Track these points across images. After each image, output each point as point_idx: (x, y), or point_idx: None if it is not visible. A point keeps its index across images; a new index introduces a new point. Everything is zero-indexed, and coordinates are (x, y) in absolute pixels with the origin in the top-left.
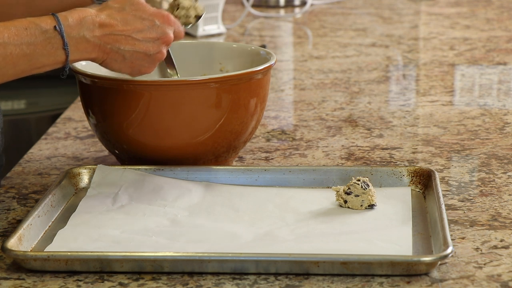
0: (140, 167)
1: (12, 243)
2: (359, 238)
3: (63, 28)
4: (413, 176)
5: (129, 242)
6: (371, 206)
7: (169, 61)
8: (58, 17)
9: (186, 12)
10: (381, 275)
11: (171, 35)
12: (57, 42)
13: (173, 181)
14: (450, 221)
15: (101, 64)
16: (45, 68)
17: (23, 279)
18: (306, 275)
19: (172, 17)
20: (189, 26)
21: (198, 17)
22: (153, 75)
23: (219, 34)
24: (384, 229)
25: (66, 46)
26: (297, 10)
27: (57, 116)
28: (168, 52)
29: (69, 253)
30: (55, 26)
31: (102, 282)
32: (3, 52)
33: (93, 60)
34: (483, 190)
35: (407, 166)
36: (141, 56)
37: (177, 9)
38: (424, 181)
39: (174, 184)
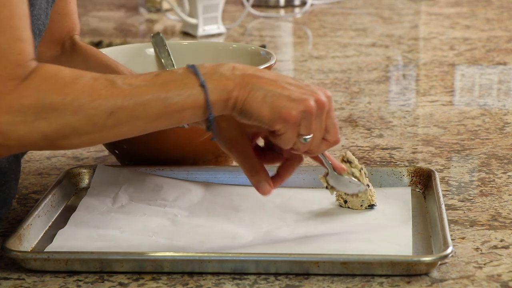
0: (140, 167)
1: (12, 243)
2: (359, 238)
3: (197, 68)
4: (413, 176)
5: (129, 242)
6: (371, 206)
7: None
8: (191, 64)
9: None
10: (381, 275)
11: (324, 98)
12: (193, 81)
13: (173, 181)
14: (450, 221)
15: (241, 107)
16: (184, 113)
17: (23, 279)
18: (306, 275)
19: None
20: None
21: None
22: None
23: (219, 34)
24: (384, 229)
25: (203, 82)
26: (297, 10)
27: None
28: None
29: (69, 253)
30: (187, 66)
31: (102, 282)
32: (131, 92)
33: (234, 101)
34: (483, 190)
35: (407, 166)
36: (284, 99)
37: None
38: (424, 181)
39: (174, 184)
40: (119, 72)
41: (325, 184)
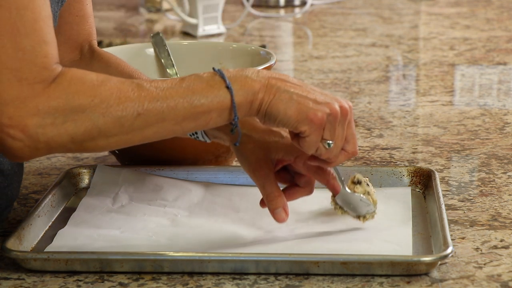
0: (140, 167)
1: (12, 243)
2: (359, 238)
3: (223, 72)
4: (413, 176)
5: (129, 242)
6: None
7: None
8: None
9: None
10: (381, 275)
11: (347, 106)
12: (219, 83)
13: (173, 181)
14: (450, 221)
15: (266, 110)
16: (210, 114)
17: (23, 279)
18: (306, 275)
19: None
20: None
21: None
22: (153, 75)
23: (219, 34)
24: (384, 229)
25: (228, 84)
26: (297, 10)
27: None
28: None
29: (69, 253)
30: (213, 69)
31: (102, 282)
32: (158, 94)
33: (259, 104)
34: (483, 190)
35: (407, 166)
36: (310, 101)
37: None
38: (424, 181)
39: (174, 184)
40: (143, 75)
41: (333, 206)
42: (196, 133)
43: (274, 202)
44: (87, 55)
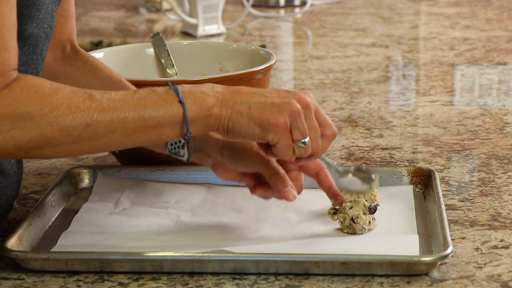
0: (140, 167)
1: (12, 243)
2: (361, 239)
3: (177, 87)
4: (413, 176)
5: (132, 243)
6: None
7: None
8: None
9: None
10: (381, 275)
11: (306, 98)
12: (172, 97)
13: (174, 185)
14: (450, 221)
15: (227, 126)
16: (162, 129)
17: (23, 279)
18: (306, 275)
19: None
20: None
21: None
22: (153, 75)
23: (219, 34)
24: (387, 230)
25: (182, 99)
26: (297, 10)
27: None
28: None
29: (69, 253)
30: (167, 83)
31: (102, 282)
32: (109, 106)
33: (216, 119)
34: (483, 190)
35: (407, 166)
36: (269, 107)
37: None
38: (424, 181)
39: (175, 188)
40: (123, 85)
41: (332, 219)
42: (177, 149)
43: (280, 181)
44: (70, 55)
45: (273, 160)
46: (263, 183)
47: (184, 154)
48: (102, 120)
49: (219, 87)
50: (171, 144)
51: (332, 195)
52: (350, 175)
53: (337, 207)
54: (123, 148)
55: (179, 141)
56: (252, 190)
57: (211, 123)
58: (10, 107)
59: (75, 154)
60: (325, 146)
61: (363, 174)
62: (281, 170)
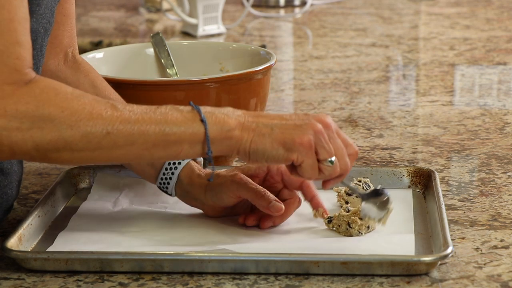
0: None
1: (12, 243)
2: (360, 239)
3: (199, 106)
4: (413, 177)
5: (130, 243)
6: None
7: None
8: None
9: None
10: (381, 275)
11: (327, 119)
12: (194, 116)
13: None
14: (450, 221)
15: (249, 148)
16: (182, 145)
17: (23, 279)
18: (306, 275)
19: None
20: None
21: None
22: (153, 75)
23: (219, 34)
24: (385, 231)
25: (203, 118)
26: (297, 10)
27: None
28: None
29: (69, 253)
30: (189, 102)
31: (102, 282)
32: (131, 117)
33: (237, 141)
34: (483, 190)
35: (407, 167)
36: (291, 128)
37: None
38: (424, 181)
39: None
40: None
41: (333, 228)
42: (165, 185)
43: (263, 199)
44: (72, 65)
45: (252, 182)
46: (254, 211)
47: (171, 192)
48: (123, 130)
49: (239, 111)
50: (161, 179)
51: (314, 205)
52: (369, 205)
53: (331, 216)
54: (140, 161)
55: (170, 178)
56: (245, 221)
57: (231, 144)
58: (29, 106)
59: (92, 162)
60: (351, 165)
61: (378, 198)
62: (260, 188)
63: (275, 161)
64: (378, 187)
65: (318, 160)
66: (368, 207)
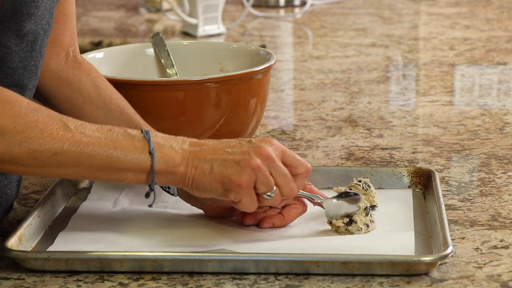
0: None
1: (12, 243)
2: (359, 238)
3: (150, 135)
4: (413, 177)
5: (130, 243)
6: (372, 207)
7: None
8: (146, 129)
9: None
10: (381, 275)
11: (268, 148)
12: (142, 146)
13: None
14: (450, 221)
15: (191, 184)
16: (126, 173)
17: (23, 279)
18: (306, 275)
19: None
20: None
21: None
22: (153, 75)
23: (219, 34)
24: (385, 230)
25: (152, 150)
26: (297, 10)
27: None
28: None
29: (69, 253)
30: (141, 130)
31: (102, 282)
32: (81, 139)
33: (181, 177)
34: (483, 190)
35: (407, 167)
36: (230, 165)
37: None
38: (424, 181)
39: None
40: (123, 105)
41: (332, 228)
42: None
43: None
44: (73, 64)
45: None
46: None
47: (174, 192)
48: (70, 152)
49: (187, 143)
50: None
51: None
52: (334, 200)
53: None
54: (85, 179)
55: None
56: (243, 219)
57: (176, 179)
58: None
59: (36, 176)
60: (300, 185)
61: (348, 196)
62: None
63: (215, 197)
64: (349, 191)
65: (257, 194)
66: (334, 206)
